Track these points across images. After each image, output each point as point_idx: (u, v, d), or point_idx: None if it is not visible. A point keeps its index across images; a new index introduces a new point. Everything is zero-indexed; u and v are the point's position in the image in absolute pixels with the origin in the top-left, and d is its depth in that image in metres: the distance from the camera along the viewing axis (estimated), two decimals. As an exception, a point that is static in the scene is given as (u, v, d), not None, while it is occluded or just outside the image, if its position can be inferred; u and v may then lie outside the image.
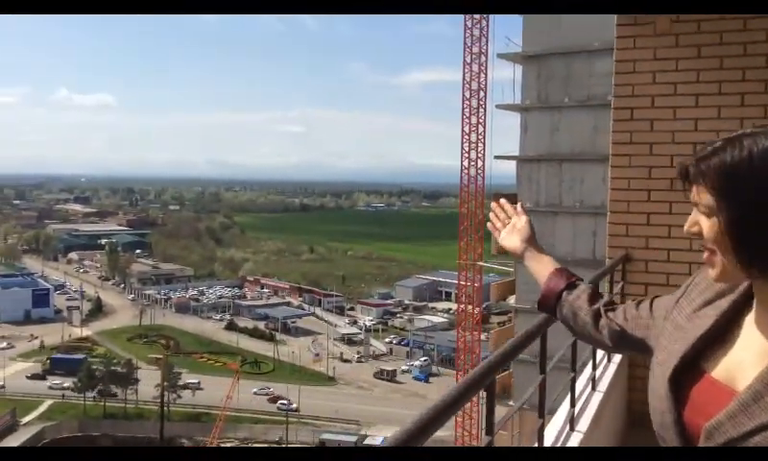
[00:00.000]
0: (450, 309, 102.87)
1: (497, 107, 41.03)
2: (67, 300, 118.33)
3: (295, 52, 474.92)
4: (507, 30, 46.92)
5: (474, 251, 50.45)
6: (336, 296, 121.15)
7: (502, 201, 2.40)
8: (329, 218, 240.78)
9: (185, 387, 76.77)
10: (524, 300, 38.20)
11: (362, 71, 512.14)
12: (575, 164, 36.40)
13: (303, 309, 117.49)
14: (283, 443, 66.32)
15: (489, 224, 2.46)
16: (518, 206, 2.42)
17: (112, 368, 77.70)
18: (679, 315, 1.66)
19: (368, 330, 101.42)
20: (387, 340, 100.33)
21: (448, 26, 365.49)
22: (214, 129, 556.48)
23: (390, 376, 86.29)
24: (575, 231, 36.18)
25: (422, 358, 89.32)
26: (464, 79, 48.71)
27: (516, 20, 38.67)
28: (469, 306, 51.87)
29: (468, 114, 49.38)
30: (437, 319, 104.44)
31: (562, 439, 4.00)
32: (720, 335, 1.54)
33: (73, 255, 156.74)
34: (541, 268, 2.25)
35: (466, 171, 49.56)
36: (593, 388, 4.73)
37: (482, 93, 48.62)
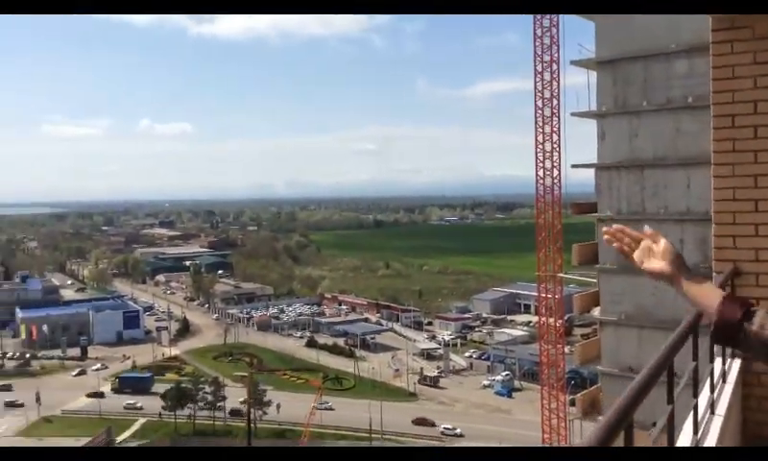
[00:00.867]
0: (530, 322, 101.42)
1: (572, 114, 39.83)
2: (156, 320, 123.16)
3: (364, 72, 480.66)
4: (579, 36, 46.12)
5: (554, 262, 49.59)
6: (414, 311, 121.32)
7: (620, 226, 2.30)
8: (403, 233, 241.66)
9: (269, 403, 78.30)
10: (609, 311, 37.26)
11: (430, 86, 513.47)
12: (657, 170, 35.18)
13: (381, 325, 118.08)
14: None
15: (616, 244, 2.32)
16: (646, 227, 2.34)
17: (200, 386, 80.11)
18: None
19: (447, 345, 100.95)
20: (467, 354, 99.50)
21: (517, 36, 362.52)
22: (291, 152, 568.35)
23: (433, 383, 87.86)
24: (662, 240, 35.21)
25: (504, 373, 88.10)
26: (535, 88, 48.02)
27: (587, 26, 37.99)
28: (551, 319, 50.94)
29: (541, 123, 48.51)
30: (517, 332, 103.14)
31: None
32: None
33: (160, 278, 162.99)
34: (706, 293, 2.15)
35: (541, 181, 48.66)
36: (712, 412, 4.66)
37: (555, 102, 47.81)
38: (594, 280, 39.89)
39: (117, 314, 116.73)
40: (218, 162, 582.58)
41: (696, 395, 4.07)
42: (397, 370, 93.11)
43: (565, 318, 56.61)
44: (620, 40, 35.36)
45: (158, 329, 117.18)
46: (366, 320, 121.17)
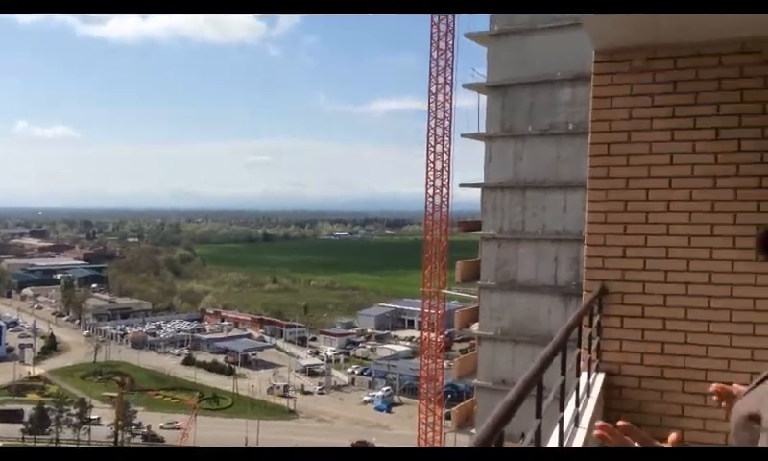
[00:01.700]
0: (413, 337, 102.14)
1: (462, 136, 41.18)
2: (20, 337, 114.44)
3: (258, 82, 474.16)
4: (472, 61, 47.41)
5: (439, 278, 50.07)
6: (298, 326, 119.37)
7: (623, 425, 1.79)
8: (293, 248, 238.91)
9: (139, 425, 74.20)
10: (488, 326, 37.81)
11: (327, 101, 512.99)
12: (538, 192, 36.50)
13: (264, 341, 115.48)
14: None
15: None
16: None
17: (65, 407, 74.82)
18: None
19: (330, 361, 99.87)
20: (349, 370, 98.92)
21: (414, 55, 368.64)
22: (178, 160, 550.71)
23: (284, 392, 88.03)
24: (537, 257, 36.25)
25: (385, 388, 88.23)
26: (429, 108, 48.99)
27: (480, 51, 38.82)
28: (432, 334, 51.28)
29: (432, 143, 49.55)
30: (399, 347, 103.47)
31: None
32: None
33: (27, 291, 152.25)
34: None
35: (430, 199, 49.47)
36: (576, 425, 4.76)
37: (447, 122, 48.93)
38: (476, 297, 40.41)
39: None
40: (100, 169, 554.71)
41: (563, 408, 4.21)
42: (278, 387, 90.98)
43: (446, 333, 56.90)
44: (510, 66, 36.37)
45: (22, 347, 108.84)
46: (249, 336, 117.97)
